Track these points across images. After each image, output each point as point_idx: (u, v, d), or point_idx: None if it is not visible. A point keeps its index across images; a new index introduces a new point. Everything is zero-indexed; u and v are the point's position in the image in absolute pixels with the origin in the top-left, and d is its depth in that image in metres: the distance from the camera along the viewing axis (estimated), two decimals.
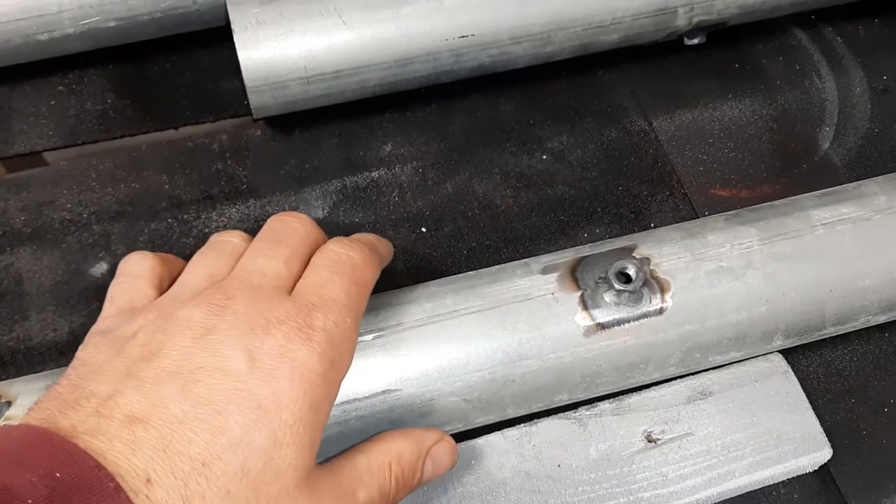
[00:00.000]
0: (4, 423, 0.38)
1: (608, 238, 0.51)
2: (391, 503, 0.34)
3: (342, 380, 0.33)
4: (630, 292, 0.41)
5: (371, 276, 0.36)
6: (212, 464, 0.28)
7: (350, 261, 0.35)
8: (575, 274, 0.42)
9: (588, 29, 0.51)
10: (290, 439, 0.30)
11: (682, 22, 0.53)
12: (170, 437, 0.28)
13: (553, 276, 0.42)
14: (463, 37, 0.50)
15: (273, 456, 0.29)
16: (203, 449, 0.28)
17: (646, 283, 0.41)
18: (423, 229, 0.52)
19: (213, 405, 0.29)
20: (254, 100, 0.50)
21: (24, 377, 0.40)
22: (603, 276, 0.41)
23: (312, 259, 0.35)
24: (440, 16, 0.50)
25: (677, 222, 0.51)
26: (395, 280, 0.50)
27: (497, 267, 0.44)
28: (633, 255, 0.42)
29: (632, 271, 0.41)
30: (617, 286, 0.40)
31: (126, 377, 0.29)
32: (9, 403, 0.39)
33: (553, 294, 0.41)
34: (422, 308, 0.41)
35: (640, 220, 0.52)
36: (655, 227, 0.52)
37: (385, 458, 0.34)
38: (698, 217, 0.52)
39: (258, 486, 0.29)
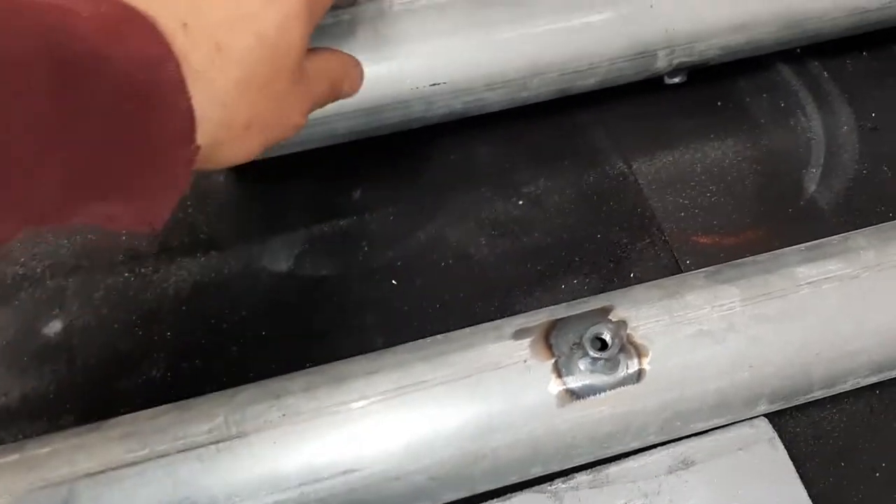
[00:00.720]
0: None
1: (587, 290, 0.49)
2: (321, 104, 0.40)
3: None
4: (606, 360, 0.38)
5: None
6: (236, 27, 0.32)
7: None
8: (549, 339, 0.40)
9: (565, 74, 0.49)
10: (297, 22, 0.34)
11: (662, 64, 0.51)
12: (197, 5, 0.31)
13: (526, 342, 0.40)
14: (434, 84, 0.48)
15: (285, 32, 0.33)
16: (226, 15, 0.32)
17: (622, 349, 0.39)
18: (394, 282, 0.50)
19: None
20: None
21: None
22: (577, 341, 0.39)
23: None
24: (410, 63, 0.48)
25: (658, 271, 0.50)
26: (364, 336, 0.48)
27: (469, 329, 0.42)
28: (610, 317, 0.40)
29: (607, 337, 0.39)
30: (592, 353, 0.38)
31: None
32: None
33: (525, 361, 0.39)
34: (388, 379, 0.39)
35: (619, 269, 0.50)
36: (636, 276, 0.50)
37: (329, 68, 0.40)
38: (679, 265, 0.50)
39: (274, 54, 0.33)
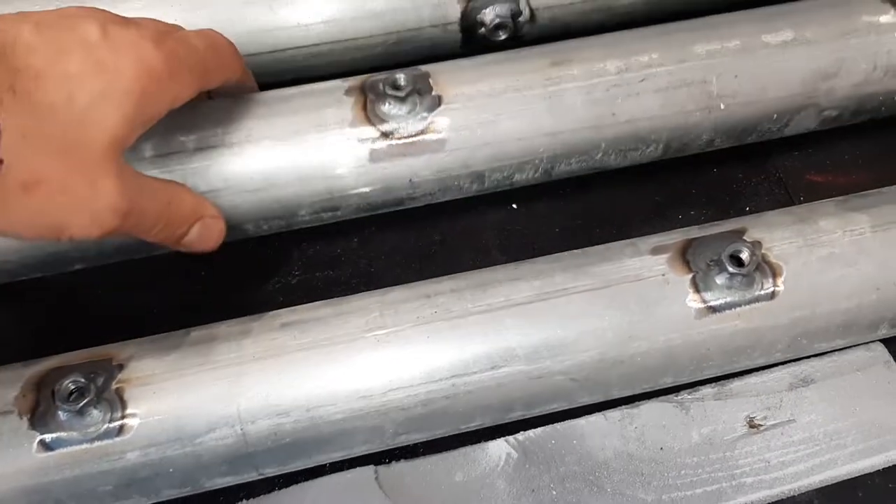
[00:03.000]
0: (116, 385, 0.38)
1: (703, 220, 0.51)
2: (151, 236, 0.37)
3: (178, 97, 0.36)
4: (743, 276, 0.40)
5: (231, 63, 0.41)
6: (45, 78, 0.31)
7: (216, 40, 0.40)
8: (686, 256, 0.41)
9: None
10: (117, 104, 0.33)
11: None
12: (13, 45, 0.31)
13: (663, 258, 0.41)
14: None
15: (100, 103, 0.32)
16: (42, 61, 0.31)
17: (758, 268, 0.41)
18: (514, 205, 0.52)
19: (60, 45, 0.32)
20: None
21: (136, 340, 0.41)
22: (715, 258, 0.41)
23: None
24: None
25: (773, 207, 0.51)
26: (486, 254, 0.50)
27: (604, 246, 0.43)
28: (744, 238, 0.42)
29: (745, 255, 0.41)
30: (730, 269, 0.40)
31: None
32: (120, 366, 0.39)
33: (664, 275, 0.41)
34: (531, 286, 0.41)
35: (734, 203, 0.52)
36: (751, 210, 0.51)
37: (174, 196, 0.38)
38: (794, 202, 0.52)
39: (81, 119, 0.32)
